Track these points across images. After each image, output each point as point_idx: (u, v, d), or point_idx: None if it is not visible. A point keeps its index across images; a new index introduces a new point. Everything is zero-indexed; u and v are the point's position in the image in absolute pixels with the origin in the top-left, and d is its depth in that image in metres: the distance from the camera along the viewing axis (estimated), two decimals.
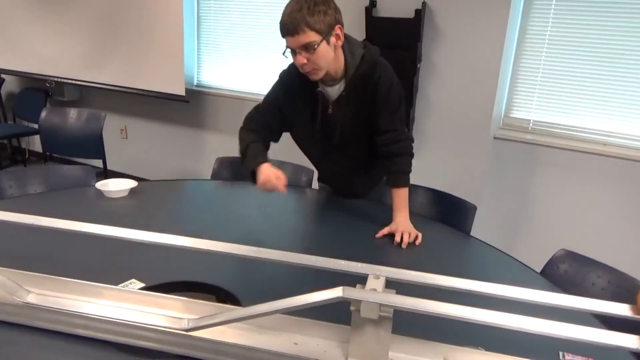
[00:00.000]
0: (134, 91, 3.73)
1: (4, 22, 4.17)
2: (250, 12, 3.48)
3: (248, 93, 3.59)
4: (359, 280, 0.92)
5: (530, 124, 2.73)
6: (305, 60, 1.49)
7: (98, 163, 3.19)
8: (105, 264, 1.27)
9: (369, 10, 2.67)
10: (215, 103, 3.70)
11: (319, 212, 1.83)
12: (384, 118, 1.65)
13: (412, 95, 2.65)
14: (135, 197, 1.77)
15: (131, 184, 1.80)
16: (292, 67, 1.67)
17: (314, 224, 1.71)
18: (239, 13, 3.53)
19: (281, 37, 1.50)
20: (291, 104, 1.73)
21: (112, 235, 1.06)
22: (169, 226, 1.54)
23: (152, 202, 1.79)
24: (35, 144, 4.80)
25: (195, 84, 3.82)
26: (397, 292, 0.86)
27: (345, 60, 1.60)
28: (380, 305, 0.82)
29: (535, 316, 0.82)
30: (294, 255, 1.00)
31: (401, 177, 1.68)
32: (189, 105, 3.71)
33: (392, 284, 0.91)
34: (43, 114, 3.21)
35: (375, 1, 2.68)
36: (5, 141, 4.72)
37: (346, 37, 1.59)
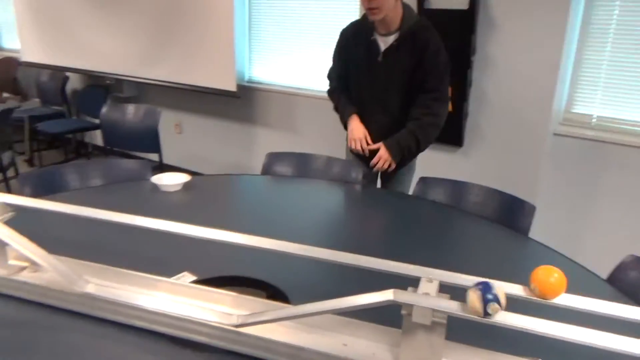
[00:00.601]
0: (188, 87, 3.83)
1: (68, 24, 4.39)
2: (301, 7, 3.48)
3: (298, 89, 3.60)
4: (411, 282, 0.89)
5: (594, 120, 2.57)
6: (371, 3, 1.75)
7: (154, 157, 3.30)
8: (159, 256, 1.31)
9: (421, 1, 2.60)
10: (266, 99, 3.73)
11: (368, 209, 1.80)
12: (429, 80, 1.87)
13: (465, 89, 2.56)
14: (189, 191, 1.81)
15: (184, 178, 1.84)
16: (350, 24, 2.01)
17: (363, 221, 1.68)
18: (290, 8, 3.53)
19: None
20: (348, 52, 2.00)
21: (166, 230, 1.08)
22: (221, 220, 1.56)
23: (205, 196, 1.82)
24: (97, 138, 5.04)
25: (246, 79, 3.87)
26: (451, 297, 0.82)
27: (403, 15, 1.85)
28: (434, 310, 0.78)
29: (600, 328, 0.76)
30: (344, 255, 0.98)
31: (413, 142, 1.94)
32: (241, 101, 3.77)
33: (445, 288, 0.87)
34: (104, 109, 3.35)
35: None
36: (70, 136, 4.98)
37: (404, 3, 1.86)
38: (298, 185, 1.97)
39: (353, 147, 1.98)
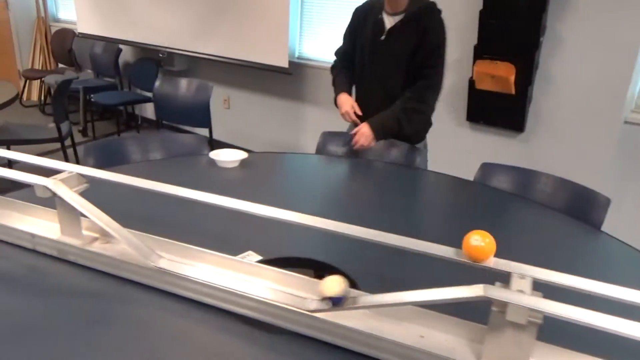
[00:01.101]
0: (239, 62, 3.82)
1: None
2: None
3: None
4: (489, 276, 0.83)
5: None
6: None
7: (204, 132, 3.32)
8: (221, 233, 1.30)
9: None
10: (316, 76, 3.68)
11: (428, 193, 1.75)
12: (426, 65, 1.90)
13: (531, 72, 2.43)
14: (246, 168, 1.80)
15: (242, 155, 1.83)
16: (364, 2, 2.04)
17: (423, 206, 1.63)
18: None
19: None
20: (358, 29, 2.03)
21: (233, 208, 1.06)
22: (279, 199, 1.55)
23: (262, 173, 1.81)
24: (147, 111, 5.14)
25: (296, 56, 3.82)
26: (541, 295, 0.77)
27: None
28: (530, 310, 0.73)
29: None
30: (417, 242, 0.93)
31: (395, 126, 1.95)
32: (290, 78, 3.73)
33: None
34: (157, 83, 3.39)
35: None
36: (121, 108, 5.09)
37: None
38: (354, 166, 1.93)
39: (347, 119, 2.05)
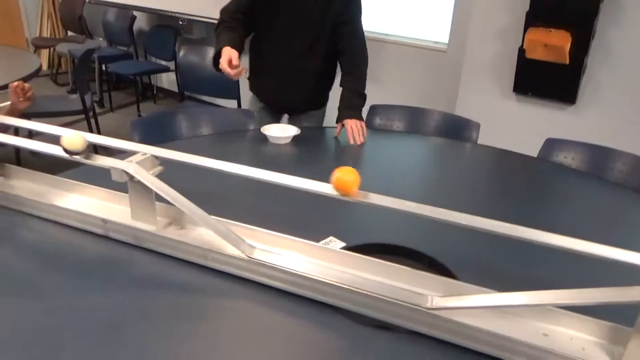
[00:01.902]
0: None
1: None
2: None
3: (386, 35, 3.37)
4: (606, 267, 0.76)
5: None
6: None
7: (231, 103, 3.20)
8: (300, 218, 1.22)
9: None
10: None
11: (492, 171, 1.66)
12: (350, 21, 1.81)
13: (587, 41, 2.29)
14: (298, 144, 1.71)
15: (294, 130, 1.74)
16: None
17: (490, 185, 1.55)
18: None
19: None
20: None
21: (315, 190, 0.97)
22: None
23: (315, 150, 1.73)
24: (163, 80, 4.99)
25: None
26: None
27: None
28: None
29: None
30: (524, 230, 0.84)
31: (362, 99, 1.86)
32: None
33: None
34: (181, 52, 3.25)
35: None
36: (136, 78, 4.94)
37: None
38: (411, 140, 1.84)
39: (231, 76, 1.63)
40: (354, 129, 1.74)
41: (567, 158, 1.72)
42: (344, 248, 1.10)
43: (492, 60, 2.64)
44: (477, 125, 1.90)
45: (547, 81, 2.44)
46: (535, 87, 2.49)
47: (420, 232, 1.17)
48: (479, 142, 1.87)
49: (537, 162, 1.71)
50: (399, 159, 1.69)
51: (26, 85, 1.40)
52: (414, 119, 2.00)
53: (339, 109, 1.83)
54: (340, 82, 1.90)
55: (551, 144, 1.76)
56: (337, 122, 1.83)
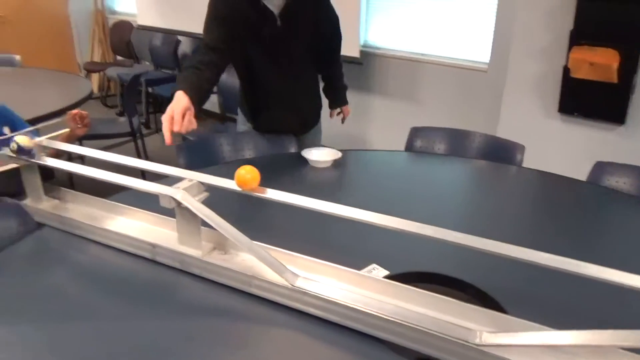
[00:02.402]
0: None
1: None
2: None
3: (419, 54, 3.37)
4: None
5: None
6: None
7: None
8: (343, 243, 1.22)
9: None
10: (384, 65, 3.54)
11: (541, 197, 1.61)
12: (333, 23, 1.87)
13: (637, 59, 2.21)
14: (339, 168, 1.71)
15: (335, 154, 1.74)
16: None
17: (541, 212, 1.50)
18: None
19: None
20: (237, 23, 1.59)
21: (352, 217, 0.97)
22: (387, 203, 1.45)
23: (357, 174, 1.72)
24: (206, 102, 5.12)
25: (361, 44, 3.69)
26: None
27: None
28: None
29: None
30: (588, 266, 0.82)
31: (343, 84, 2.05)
32: (358, 68, 3.60)
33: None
34: (223, 75, 3.32)
35: None
36: None
37: None
38: (453, 163, 1.81)
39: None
40: (347, 114, 2.06)
41: (618, 182, 1.65)
42: (387, 276, 1.09)
43: (535, 79, 2.58)
44: (522, 148, 1.86)
45: (594, 101, 2.37)
46: (581, 107, 2.42)
47: (466, 260, 1.14)
48: (523, 164, 1.82)
49: (586, 187, 1.65)
50: (441, 183, 1.66)
51: (84, 112, 1.48)
52: (456, 142, 1.98)
53: (335, 96, 2.04)
54: (327, 70, 2.01)
55: (601, 167, 1.69)
56: (332, 109, 2.05)
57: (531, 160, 1.89)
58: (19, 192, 1.31)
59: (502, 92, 2.71)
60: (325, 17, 1.84)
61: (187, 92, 1.38)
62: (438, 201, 1.50)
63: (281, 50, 1.74)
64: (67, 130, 1.46)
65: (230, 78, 3.33)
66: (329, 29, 1.87)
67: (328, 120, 2.09)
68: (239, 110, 2.03)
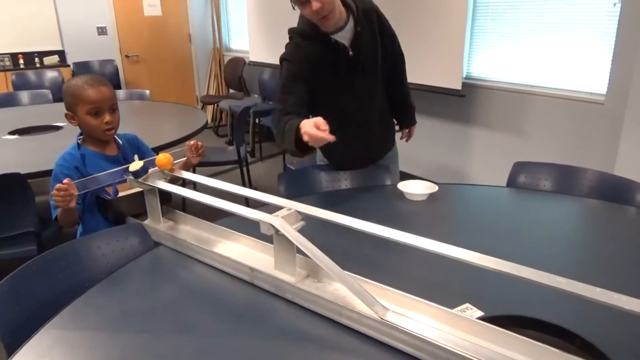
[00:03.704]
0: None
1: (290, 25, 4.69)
2: None
3: (526, 86, 3.23)
4: None
5: None
6: (320, 4, 1.57)
7: None
8: (436, 279, 1.20)
9: None
10: (487, 97, 3.44)
11: None
12: (396, 44, 1.96)
13: None
14: (435, 202, 1.69)
15: (432, 187, 1.72)
16: (293, 44, 1.77)
17: None
18: None
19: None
20: (314, 68, 1.71)
21: (444, 254, 0.95)
22: (485, 240, 1.40)
23: (454, 209, 1.69)
24: None
25: (464, 76, 3.63)
26: None
27: (343, 1, 1.72)
28: None
29: None
30: None
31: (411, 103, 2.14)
32: (459, 99, 3.54)
33: None
34: None
35: None
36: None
37: None
38: (561, 202, 1.70)
39: (317, 142, 1.41)
40: (412, 133, 2.16)
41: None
42: (481, 317, 1.04)
43: None
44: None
45: None
46: None
47: (571, 306, 1.06)
48: None
49: None
50: (547, 222, 1.56)
51: (199, 143, 1.63)
52: (564, 178, 1.85)
53: (404, 116, 2.13)
54: (395, 91, 2.04)
55: None
56: (402, 129, 2.15)
57: None
58: (141, 214, 1.48)
59: (621, 126, 2.49)
60: (387, 35, 1.88)
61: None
62: (542, 242, 1.41)
63: (357, 78, 1.81)
64: (184, 159, 1.62)
65: None
66: (390, 47, 1.91)
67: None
68: (317, 150, 2.06)
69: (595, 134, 2.87)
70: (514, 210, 1.67)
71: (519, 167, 1.93)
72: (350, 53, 1.75)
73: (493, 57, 3.43)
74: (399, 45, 1.99)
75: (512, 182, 1.91)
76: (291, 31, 1.80)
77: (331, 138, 1.36)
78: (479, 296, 1.10)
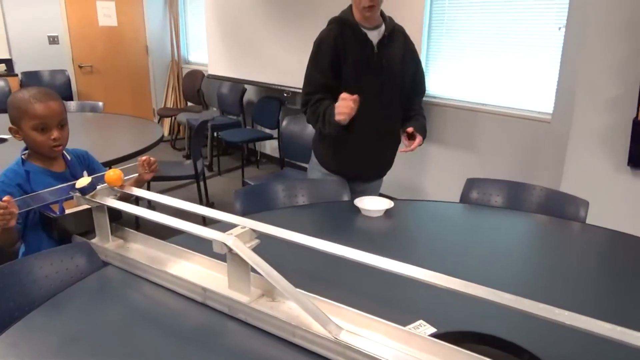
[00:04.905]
0: None
1: (252, 40, 4.70)
2: (479, 15, 3.23)
3: (478, 104, 3.34)
4: None
5: None
6: None
7: None
8: (390, 296, 1.20)
9: None
10: (442, 114, 3.54)
11: (603, 255, 1.51)
12: (418, 69, 2.10)
13: None
14: (391, 218, 1.71)
15: (388, 203, 1.74)
16: (329, 29, 1.94)
17: (598, 272, 1.41)
18: (466, 17, 3.31)
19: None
20: (341, 55, 1.89)
21: (400, 273, 0.96)
22: (440, 258, 1.42)
23: (409, 225, 1.71)
24: (266, 147, 5.33)
25: None
26: None
27: (381, 11, 1.95)
28: None
29: None
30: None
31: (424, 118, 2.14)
32: None
33: None
34: (284, 122, 3.48)
35: None
36: (243, 144, 5.34)
37: None
38: (511, 217, 1.75)
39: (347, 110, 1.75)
40: (417, 144, 1.98)
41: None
42: (434, 334, 1.06)
43: (602, 131, 2.48)
44: (586, 203, 1.77)
45: None
46: None
47: (521, 322, 1.09)
48: (587, 221, 1.73)
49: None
50: (497, 237, 1.61)
51: (152, 159, 1.58)
52: (514, 194, 1.92)
53: (415, 125, 2.00)
54: (410, 113, 2.10)
55: None
56: (408, 134, 1.97)
57: (597, 216, 1.79)
58: (89, 232, 1.42)
59: (567, 144, 2.62)
60: (410, 53, 2.04)
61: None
62: (493, 256, 1.45)
63: (379, 78, 1.95)
64: (135, 175, 1.57)
65: (290, 125, 3.45)
66: (412, 65, 2.05)
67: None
68: (312, 157, 2.17)
69: (543, 151, 2.99)
70: (467, 226, 1.71)
71: (472, 184, 1.98)
72: (376, 50, 1.92)
73: (447, 75, 3.54)
74: (422, 70, 2.15)
75: (465, 198, 1.96)
76: (331, 19, 1.98)
77: (355, 97, 1.71)
78: (432, 312, 1.12)
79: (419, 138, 1.96)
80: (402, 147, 2.05)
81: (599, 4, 2.40)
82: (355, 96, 1.72)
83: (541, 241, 1.63)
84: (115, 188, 1.40)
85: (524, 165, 3.11)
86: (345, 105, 1.73)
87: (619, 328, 0.75)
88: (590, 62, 2.47)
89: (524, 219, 1.76)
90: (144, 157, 1.58)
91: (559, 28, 2.83)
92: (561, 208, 1.80)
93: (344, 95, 1.75)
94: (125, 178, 1.44)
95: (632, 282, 1.32)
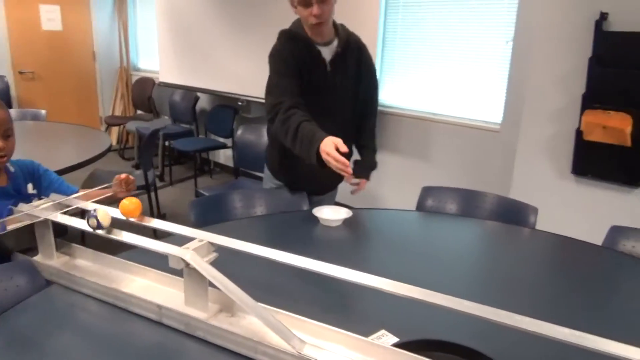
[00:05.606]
0: None
1: (204, 48, 4.62)
2: (431, 28, 3.33)
3: (431, 114, 3.43)
4: None
5: None
6: (321, 11, 1.68)
7: None
8: (352, 306, 1.19)
9: (599, 23, 2.31)
10: (396, 123, 3.60)
11: (554, 260, 1.57)
12: (371, 83, 2.01)
13: None
14: (350, 227, 1.70)
15: (346, 213, 1.74)
16: (279, 42, 1.83)
17: (553, 276, 1.46)
18: (419, 29, 3.40)
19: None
20: (297, 64, 1.77)
21: (359, 283, 0.96)
22: (399, 265, 1.43)
23: (369, 234, 1.72)
24: (220, 156, 5.23)
25: None
26: None
27: (334, 22, 1.84)
28: None
29: None
30: (605, 342, 0.78)
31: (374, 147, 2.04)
32: None
33: None
34: (239, 131, 3.42)
35: (607, 13, 2.31)
36: (196, 153, 5.22)
37: None
38: (465, 224, 1.79)
39: (343, 171, 1.50)
40: (362, 187, 1.92)
41: (635, 247, 1.61)
42: (397, 344, 1.05)
43: (548, 140, 2.59)
44: (535, 210, 1.84)
45: (607, 163, 2.36)
46: (595, 169, 2.41)
47: (480, 328, 1.10)
48: (536, 227, 1.80)
49: (602, 251, 1.61)
50: (453, 244, 1.64)
51: (131, 177, 1.50)
52: (468, 202, 1.97)
53: (363, 166, 1.96)
54: (361, 141, 2.02)
55: (617, 232, 1.66)
56: (356, 177, 1.89)
57: (545, 222, 1.86)
58: (31, 249, 1.32)
59: (515, 153, 2.72)
60: (365, 66, 1.95)
61: (325, 135, 1.56)
62: (449, 263, 1.47)
63: (332, 94, 1.85)
64: (110, 194, 1.48)
65: (245, 134, 3.41)
66: (366, 79, 1.97)
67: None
68: (265, 168, 2.07)
69: (493, 159, 3.10)
70: (423, 234, 1.74)
71: (427, 192, 2.02)
72: (328, 69, 1.82)
73: (401, 85, 3.61)
74: (376, 82, 2.05)
75: (421, 206, 1.99)
76: (281, 32, 1.86)
77: (349, 172, 1.49)
78: (394, 322, 1.11)
79: (362, 182, 1.92)
80: (350, 180, 1.85)
81: (543, 20, 2.52)
82: (350, 170, 1.50)
83: (495, 247, 1.68)
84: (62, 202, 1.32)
85: (475, 173, 3.20)
86: (337, 167, 1.49)
87: (577, 333, 0.77)
88: (537, 75, 2.59)
89: (478, 225, 1.81)
90: (122, 176, 1.50)
91: (507, 42, 2.95)
92: (512, 214, 1.86)
93: (343, 160, 1.48)
94: (98, 198, 1.36)
95: (581, 285, 1.38)
